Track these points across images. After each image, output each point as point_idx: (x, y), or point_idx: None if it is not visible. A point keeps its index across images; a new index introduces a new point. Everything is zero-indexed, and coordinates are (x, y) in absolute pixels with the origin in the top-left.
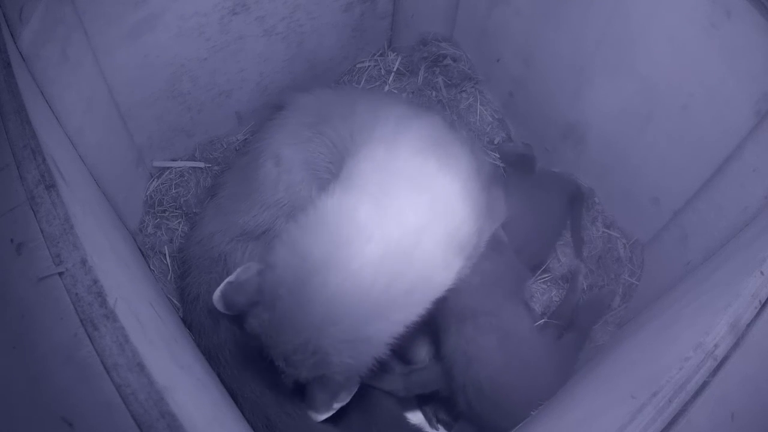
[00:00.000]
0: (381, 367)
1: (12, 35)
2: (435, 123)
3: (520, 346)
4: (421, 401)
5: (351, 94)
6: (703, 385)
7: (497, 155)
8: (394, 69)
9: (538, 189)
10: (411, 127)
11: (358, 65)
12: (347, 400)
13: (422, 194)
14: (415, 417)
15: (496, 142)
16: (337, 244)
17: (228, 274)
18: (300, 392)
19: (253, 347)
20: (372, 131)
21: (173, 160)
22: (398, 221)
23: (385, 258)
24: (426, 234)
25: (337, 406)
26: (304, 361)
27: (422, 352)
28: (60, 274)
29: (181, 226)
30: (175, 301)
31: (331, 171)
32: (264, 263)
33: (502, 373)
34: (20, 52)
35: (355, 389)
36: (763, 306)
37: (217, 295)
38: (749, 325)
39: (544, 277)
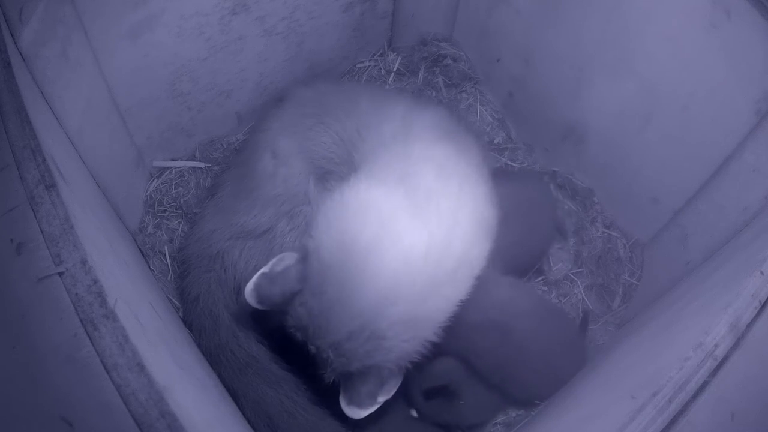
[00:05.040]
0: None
1: (12, 35)
2: (442, 114)
3: (551, 317)
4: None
5: (353, 89)
6: (703, 385)
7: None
8: (394, 69)
9: (519, 187)
10: (422, 118)
11: (358, 65)
12: (393, 392)
13: (450, 178)
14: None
15: (495, 142)
16: (383, 224)
17: (226, 272)
18: (334, 391)
19: (283, 342)
20: (381, 125)
21: (173, 160)
22: (433, 203)
23: (432, 235)
24: (460, 214)
25: (381, 399)
26: (357, 349)
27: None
28: (60, 274)
29: (181, 226)
30: (175, 301)
31: (334, 162)
32: (301, 251)
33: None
34: (20, 52)
35: (400, 381)
36: (763, 306)
37: (249, 287)
38: (749, 325)
39: (539, 280)
